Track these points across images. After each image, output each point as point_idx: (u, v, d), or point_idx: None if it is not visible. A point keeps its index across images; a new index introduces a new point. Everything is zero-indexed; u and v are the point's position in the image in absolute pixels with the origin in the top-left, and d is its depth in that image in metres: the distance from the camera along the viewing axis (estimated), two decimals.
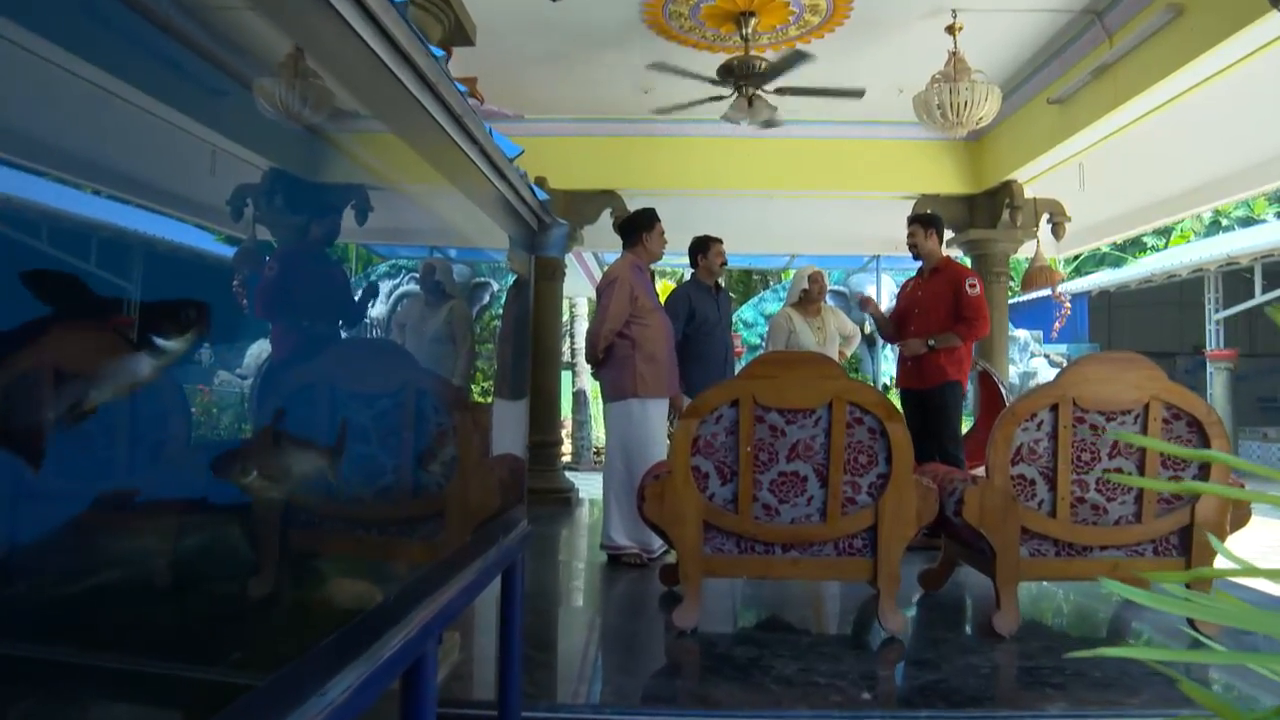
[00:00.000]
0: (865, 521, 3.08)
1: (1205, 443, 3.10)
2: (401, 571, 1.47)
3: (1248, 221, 17.71)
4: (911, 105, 4.80)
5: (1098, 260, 18.82)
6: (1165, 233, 18.39)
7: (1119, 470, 3.12)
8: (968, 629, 3.29)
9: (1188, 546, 3.12)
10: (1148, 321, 18.10)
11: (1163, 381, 3.09)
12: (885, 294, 12.03)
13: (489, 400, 2.10)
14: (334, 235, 1.31)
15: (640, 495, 3.29)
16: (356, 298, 1.43)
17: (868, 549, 3.11)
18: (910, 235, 4.82)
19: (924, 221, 4.82)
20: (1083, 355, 3.15)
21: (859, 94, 4.99)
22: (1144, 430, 3.10)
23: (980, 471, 5.54)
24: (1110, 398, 3.08)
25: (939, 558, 3.82)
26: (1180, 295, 17.38)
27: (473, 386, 2.08)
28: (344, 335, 1.46)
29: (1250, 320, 16.03)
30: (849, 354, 5.50)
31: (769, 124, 5.01)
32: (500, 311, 2.49)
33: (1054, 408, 3.10)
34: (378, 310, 1.75)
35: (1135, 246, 18.80)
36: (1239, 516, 3.15)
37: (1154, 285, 15.28)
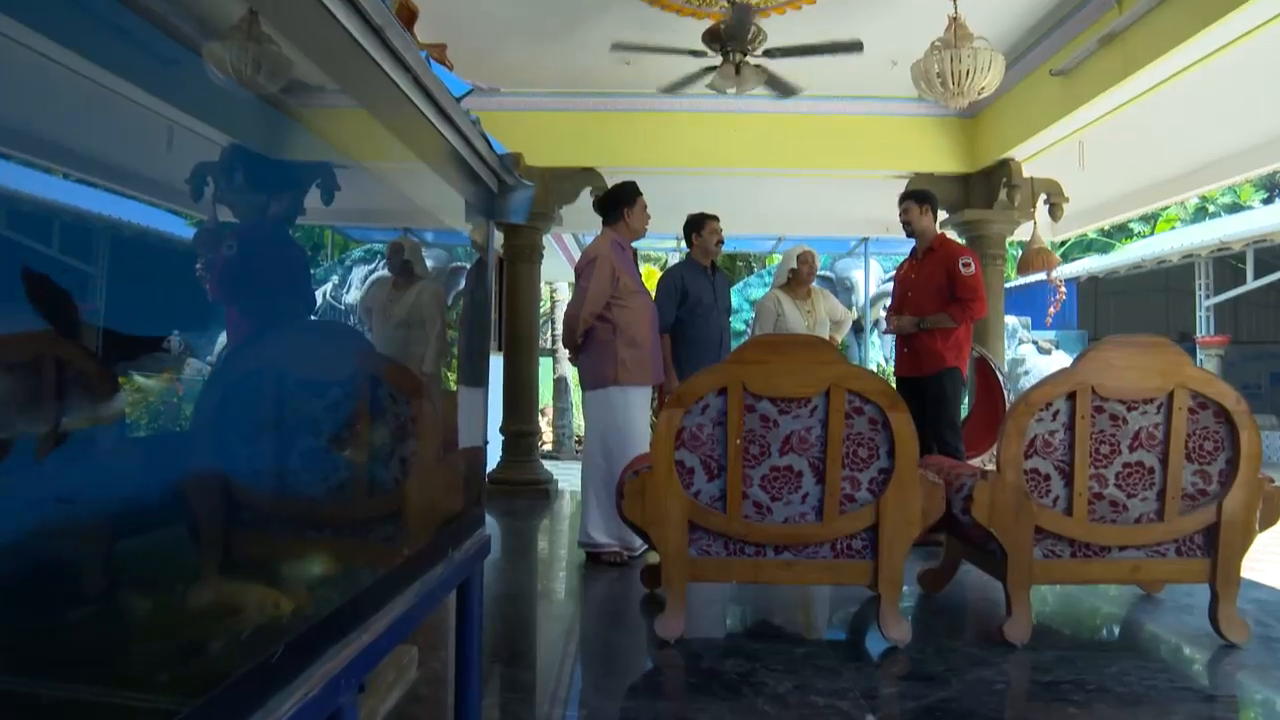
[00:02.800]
0: (865, 521, 2.81)
1: (1233, 433, 2.86)
2: (312, 599, 1.18)
3: (1234, 208, 17.58)
4: (906, 78, 4.52)
5: (1084, 246, 18.67)
6: (1151, 219, 18.25)
7: (1140, 464, 2.86)
8: (975, 636, 3.03)
9: (1213, 546, 2.87)
10: (1134, 308, 18.01)
11: (1189, 368, 2.84)
12: (874, 280, 11.81)
13: (440, 390, 1.81)
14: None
15: (619, 492, 3.01)
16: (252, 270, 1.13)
17: (868, 550, 2.84)
18: (904, 212, 4.56)
19: (918, 198, 4.56)
20: (1102, 340, 2.88)
21: (857, 47, 4.68)
22: (1168, 421, 2.85)
23: (979, 461, 5.33)
24: (1132, 385, 2.83)
25: (941, 555, 3.57)
26: (1167, 282, 17.29)
27: (422, 373, 1.78)
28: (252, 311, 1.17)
29: (1236, 307, 15.95)
30: (840, 339, 5.21)
31: (780, 88, 4.71)
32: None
33: (1071, 396, 2.84)
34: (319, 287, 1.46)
35: (1122, 233, 18.66)
36: (1269, 513, 2.90)
37: (1140, 272, 15.13)
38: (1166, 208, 16.82)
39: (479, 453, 1.93)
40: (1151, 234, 18.22)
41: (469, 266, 2.06)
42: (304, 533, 1.18)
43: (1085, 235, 17.24)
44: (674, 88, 4.85)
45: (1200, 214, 18.22)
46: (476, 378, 1.96)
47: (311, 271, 1.29)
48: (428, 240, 1.91)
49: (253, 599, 1.07)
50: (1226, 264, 14.26)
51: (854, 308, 11.97)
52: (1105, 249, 18.33)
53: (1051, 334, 14.55)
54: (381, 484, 1.39)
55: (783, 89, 4.75)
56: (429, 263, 1.84)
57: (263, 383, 1.13)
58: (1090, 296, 18.19)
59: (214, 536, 1.03)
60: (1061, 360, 13.49)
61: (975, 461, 5.25)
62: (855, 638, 3.08)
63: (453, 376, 1.99)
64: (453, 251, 2.21)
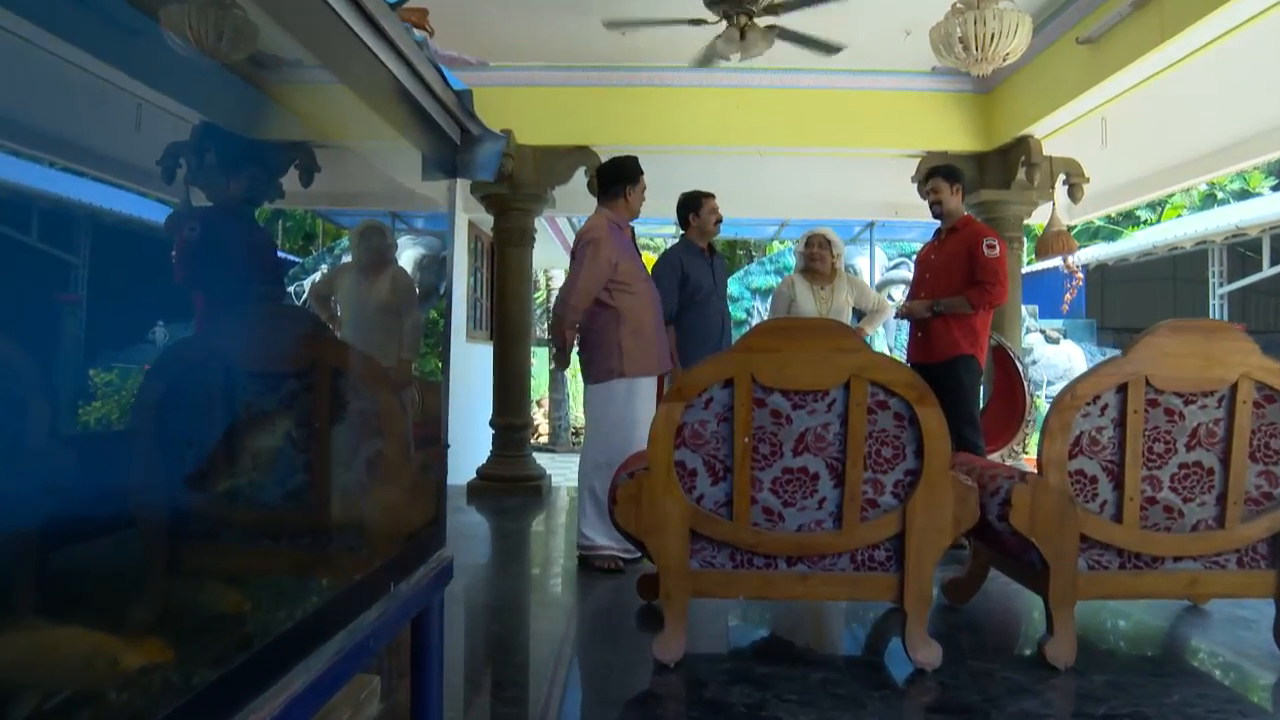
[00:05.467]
0: (890, 529, 2.49)
1: None
2: (171, 664, 0.85)
3: (1243, 195, 17.20)
4: (918, 50, 4.19)
5: (1092, 234, 18.30)
6: (1158, 207, 17.88)
7: (1198, 465, 2.54)
8: (1011, 657, 2.72)
9: None
10: (1141, 297, 17.66)
11: (1256, 356, 2.52)
12: (879, 266, 11.48)
13: (385, 384, 1.49)
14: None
15: (611, 497, 2.69)
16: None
17: (892, 562, 2.53)
18: (932, 190, 4.22)
19: (947, 174, 4.22)
20: (1157, 325, 2.56)
21: (834, 50, 4.37)
22: (1230, 416, 2.53)
23: (998, 456, 5.01)
24: (1191, 375, 2.50)
25: (968, 562, 3.25)
26: (1174, 270, 16.94)
27: (361, 363, 1.46)
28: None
29: (1245, 296, 15.61)
30: (870, 332, 4.83)
31: (706, 63, 4.37)
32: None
33: (1121, 388, 2.52)
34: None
35: (1129, 221, 18.29)
36: None
37: (1148, 260, 14.78)
38: (1172, 195, 16.46)
39: (438, 457, 1.61)
40: (1158, 222, 17.86)
41: (408, 254, 1.74)
42: (159, 562, 0.85)
43: (1092, 223, 16.88)
44: (634, 24, 4.42)
45: (1209, 200, 17.85)
46: (437, 375, 1.64)
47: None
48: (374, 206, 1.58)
49: (77, 653, 0.74)
50: (1236, 252, 13.92)
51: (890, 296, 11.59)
52: (1113, 236, 17.96)
53: (1059, 323, 14.21)
54: (289, 504, 1.07)
55: (821, 47, 4.37)
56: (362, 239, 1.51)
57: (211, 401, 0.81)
58: (1098, 285, 17.86)
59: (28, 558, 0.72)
60: (1070, 350, 13.18)
61: (994, 457, 4.94)
62: (875, 659, 2.76)
63: (403, 372, 1.66)
64: (392, 230, 1.87)
